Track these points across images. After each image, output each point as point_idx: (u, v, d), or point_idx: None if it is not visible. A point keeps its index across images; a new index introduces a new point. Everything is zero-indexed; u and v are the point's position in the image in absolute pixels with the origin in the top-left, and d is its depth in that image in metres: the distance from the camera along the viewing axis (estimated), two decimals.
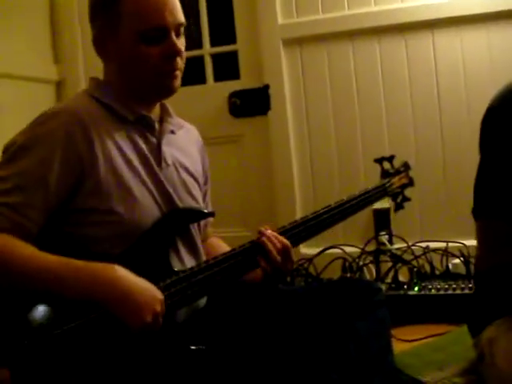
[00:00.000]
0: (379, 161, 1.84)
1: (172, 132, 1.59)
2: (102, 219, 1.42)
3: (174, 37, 1.48)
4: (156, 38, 1.46)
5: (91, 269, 1.33)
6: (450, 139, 2.91)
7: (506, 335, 1.46)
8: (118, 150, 1.46)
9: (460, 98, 2.88)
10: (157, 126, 1.55)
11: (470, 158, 2.82)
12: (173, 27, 1.48)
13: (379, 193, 1.78)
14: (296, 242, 1.58)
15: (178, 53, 1.49)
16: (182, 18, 1.50)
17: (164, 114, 1.60)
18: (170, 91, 1.54)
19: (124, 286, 1.32)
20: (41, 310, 1.33)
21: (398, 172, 1.85)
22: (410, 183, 1.89)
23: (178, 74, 1.52)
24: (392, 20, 2.91)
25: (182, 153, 1.61)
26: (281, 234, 1.54)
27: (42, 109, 1.49)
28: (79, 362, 1.31)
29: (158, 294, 1.36)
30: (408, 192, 1.91)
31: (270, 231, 1.52)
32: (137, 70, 1.49)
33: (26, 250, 1.34)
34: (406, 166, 1.88)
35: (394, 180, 1.83)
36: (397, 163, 1.91)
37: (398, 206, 1.85)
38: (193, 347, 1.40)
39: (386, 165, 1.86)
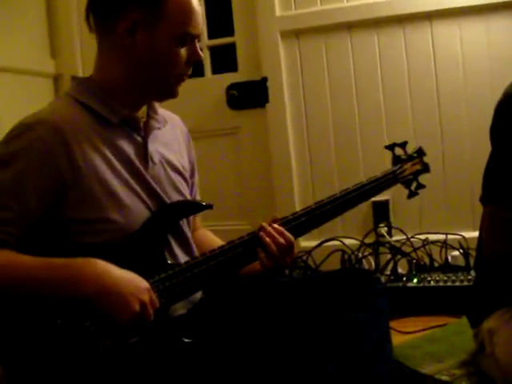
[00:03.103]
0: (390, 147, 1.75)
1: (158, 128, 1.57)
2: (101, 228, 1.41)
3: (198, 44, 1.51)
4: (186, 42, 1.47)
5: (71, 266, 1.32)
6: (448, 130, 2.91)
7: (506, 326, 1.46)
8: (101, 157, 1.43)
9: (459, 88, 2.87)
10: (142, 124, 1.53)
11: (469, 149, 2.87)
12: (199, 35, 1.51)
13: (390, 180, 1.69)
14: (299, 233, 1.55)
15: (201, 60, 1.53)
16: None
17: (150, 111, 1.57)
18: (174, 96, 1.53)
19: (106, 280, 1.31)
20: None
21: (410, 158, 1.76)
22: (425, 169, 1.78)
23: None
24: (390, 11, 2.90)
25: (168, 149, 1.59)
26: (283, 224, 1.53)
27: (39, 103, 1.46)
28: (73, 357, 1.32)
29: (144, 283, 1.35)
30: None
31: (274, 225, 1.51)
32: (162, 68, 1.47)
33: (1, 257, 1.33)
34: (420, 152, 1.78)
35: (407, 166, 1.75)
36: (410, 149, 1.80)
37: (412, 194, 1.76)
38: (186, 340, 1.40)
39: (399, 151, 1.76)
